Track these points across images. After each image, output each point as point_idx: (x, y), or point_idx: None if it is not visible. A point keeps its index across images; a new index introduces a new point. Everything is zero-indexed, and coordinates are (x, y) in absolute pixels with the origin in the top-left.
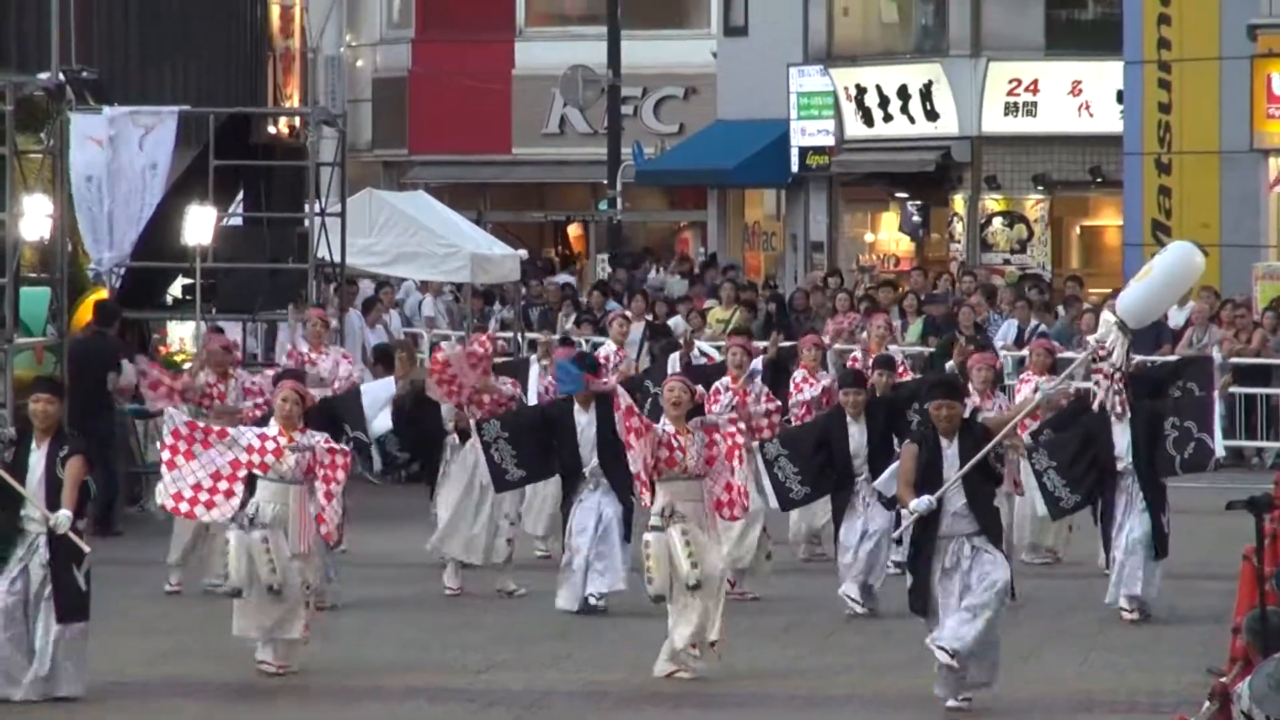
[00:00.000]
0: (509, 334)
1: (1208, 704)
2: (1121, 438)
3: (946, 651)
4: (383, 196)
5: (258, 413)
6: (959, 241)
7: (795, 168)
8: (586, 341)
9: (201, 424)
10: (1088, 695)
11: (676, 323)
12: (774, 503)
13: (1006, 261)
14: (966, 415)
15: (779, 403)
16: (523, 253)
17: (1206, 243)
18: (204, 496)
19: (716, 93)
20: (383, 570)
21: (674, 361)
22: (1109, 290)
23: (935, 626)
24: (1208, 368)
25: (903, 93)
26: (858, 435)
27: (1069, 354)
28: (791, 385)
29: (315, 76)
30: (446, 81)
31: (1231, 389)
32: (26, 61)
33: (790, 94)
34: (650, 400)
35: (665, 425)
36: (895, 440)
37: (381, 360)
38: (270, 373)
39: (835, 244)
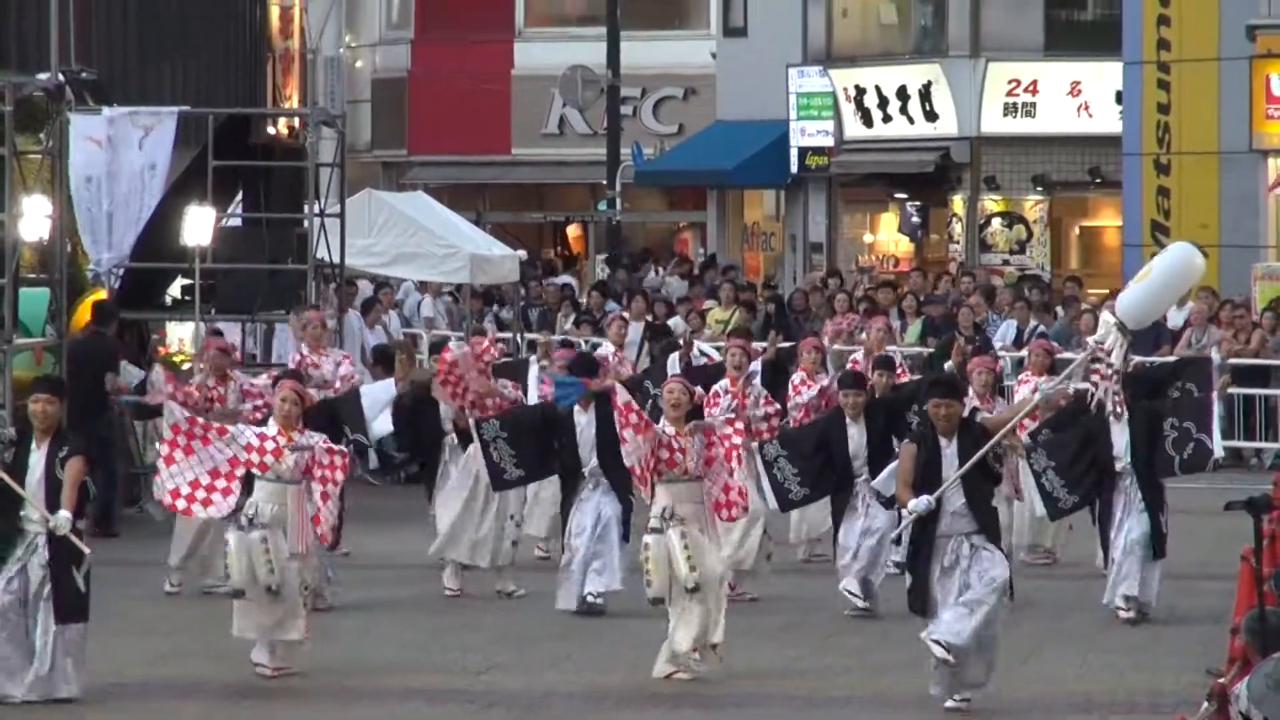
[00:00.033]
0: (508, 335)
1: (1206, 704)
2: (1120, 438)
3: (942, 646)
4: (382, 197)
5: (258, 415)
6: (958, 242)
7: (794, 168)
8: (586, 342)
9: (201, 420)
10: (1087, 696)
11: (676, 323)
12: (773, 504)
13: (1005, 262)
14: (965, 415)
15: (778, 406)
16: (522, 253)
17: (1205, 243)
18: (201, 494)
19: (716, 93)
20: (382, 571)
21: (674, 362)
22: (1108, 291)
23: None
24: (1206, 368)
25: (902, 93)
26: (857, 436)
27: (1068, 355)
28: (790, 388)
29: (314, 77)
30: (446, 82)
31: (1230, 390)
32: (26, 62)
33: (789, 95)
34: (650, 402)
35: (665, 426)
36: (895, 441)
37: (381, 361)
38: (265, 377)
39: (834, 245)
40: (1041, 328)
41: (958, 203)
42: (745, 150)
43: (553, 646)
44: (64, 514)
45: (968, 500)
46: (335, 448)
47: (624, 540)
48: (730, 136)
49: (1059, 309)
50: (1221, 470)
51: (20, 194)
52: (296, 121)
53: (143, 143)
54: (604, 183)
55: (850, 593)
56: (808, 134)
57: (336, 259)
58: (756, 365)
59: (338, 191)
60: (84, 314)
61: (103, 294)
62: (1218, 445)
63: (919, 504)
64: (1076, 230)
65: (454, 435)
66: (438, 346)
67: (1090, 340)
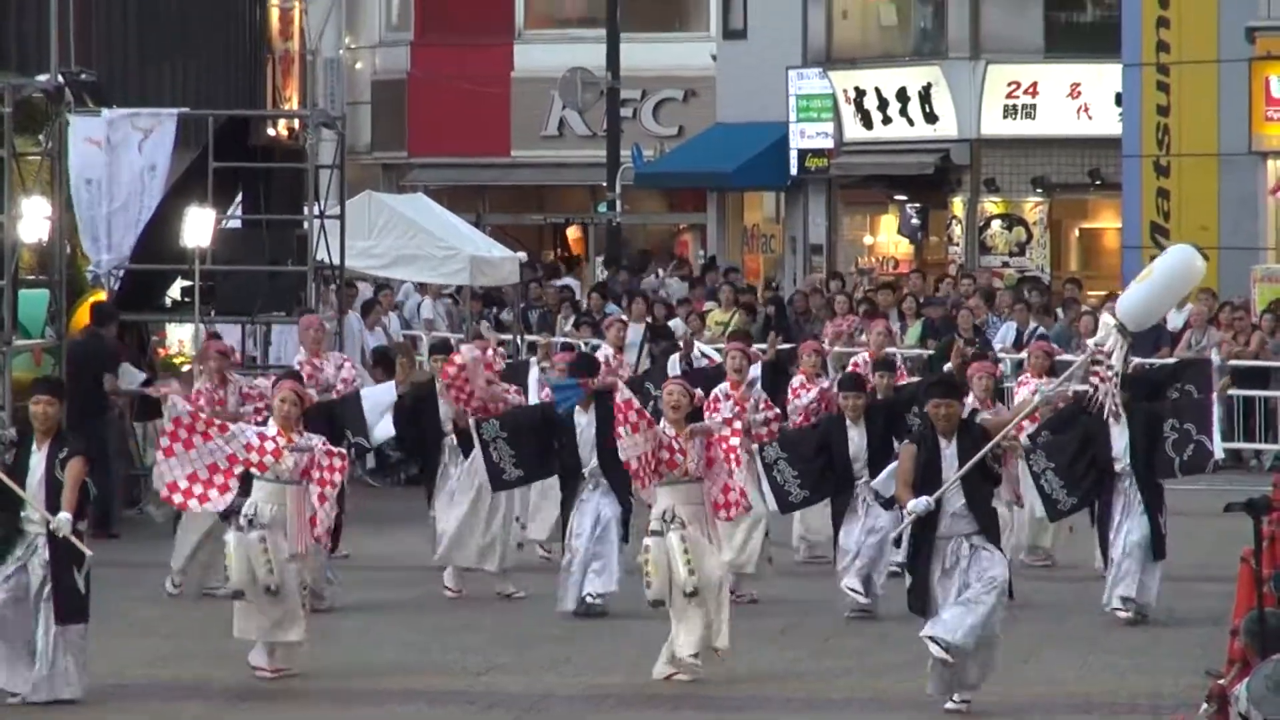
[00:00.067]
0: (508, 337)
1: (1206, 706)
2: (1119, 439)
3: (940, 646)
4: (382, 199)
5: (258, 418)
6: (958, 244)
7: (794, 170)
8: (585, 344)
9: (204, 415)
10: (1087, 698)
11: (676, 325)
12: (773, 506)
13: (1005, 264)
14: (965, 416)
15: (777, 411)
16: (522, 255)
17: (1205, 245)
18: (198, 489)
19: (716, 95)
20: (382, 573)
21: (674, 363)
22: (1107, 293)
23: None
24: (1206, 370)
25: (902, 95)
26: (857, 439)
27: (1068, 356)
28: (789, 391)
29: (314, 79)
30: (445, 84)
31: (1230, 391)
32: (26, 63)
33: (789, 97)
34: (651, 403)
35: (665, 428)
36: (895, 444)
37: (380, 363)
38: (264, 380)
39: (834, 247)
40: (1041, 330)
41: (957, 205)
42: (745, 152)
43: (553, 648)
44: (64, 515)
45: (968, 501)
46: (335, 450)
47: (623, 541)
48: (730, 138)
49: (1059, 311)
50: (1221, 472)
51: (20, 196)
52: (296, 123)
53: (142, 144)
54: (604, 185)
55: (852, 589)
56: (807, 136)
57: (336, 261)
58: (757, 371)
59: (337, 193)
60: (83, 316)
61: (102, 295)
62: (1218, 447)
63: (918, 505)
64: (1076, 232)
65: (454, 436)
66: (438, 348)
67: (1090, 343)
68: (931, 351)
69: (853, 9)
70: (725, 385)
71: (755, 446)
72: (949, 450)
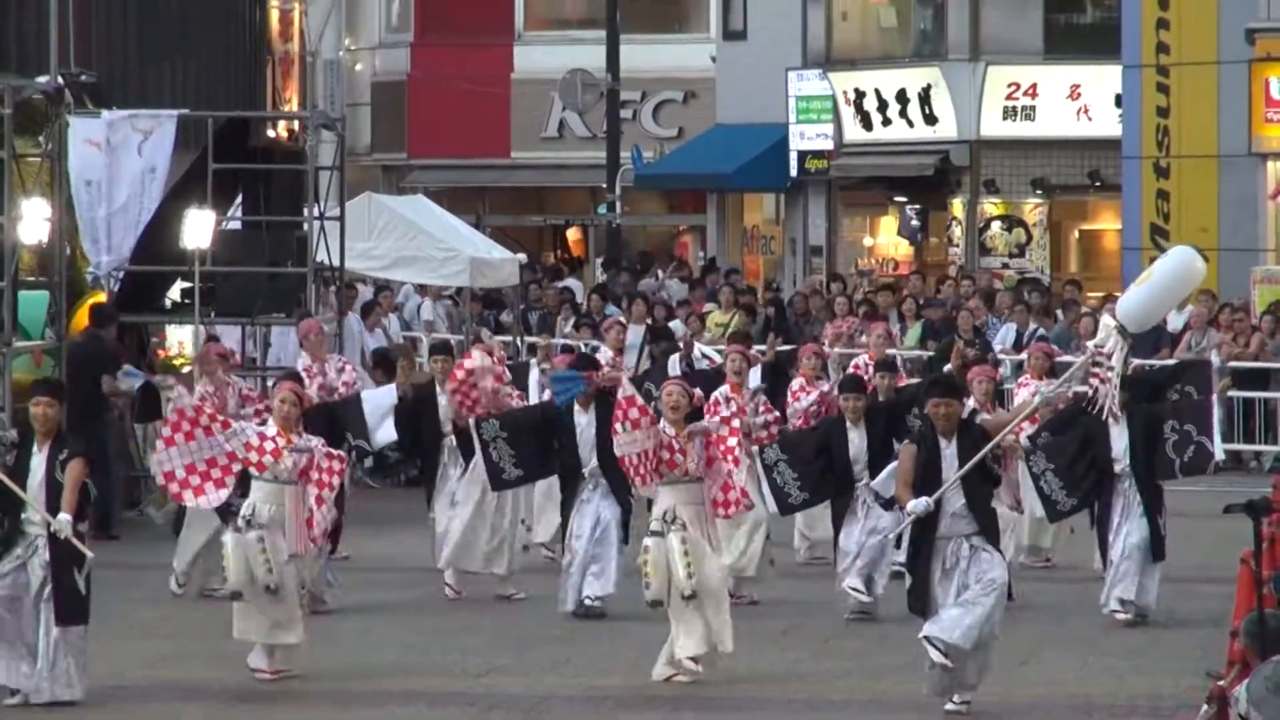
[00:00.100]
0: (508, 338)
1: (1206, 707)
2: (1119, 440)
3: (938, 647)
4: (381, 200)
5: (257, 420)
6: (958, 245)
7: (794, 172)
8: (585, 345)
9: (208, 410)
10: (1087, 699)
11: (676, 326)
12: (773, 508)
13: (1005, 265)
14: (965, 416)
15: (777, 414)
16: (522, 257)
17: (1205, 247)
18: (195, 481)
19: (715, 97)
20: (382, 574)
21: (674, 364)
22: (1106, 294)
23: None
24: (1206, 371)
25: (901, 97)
26: (858, 440)
27: (1068, 358)
28: (789, 393)
29: (314, 80)
30: (445, 85)
31: (1230, 393)
32: (25, 64)
33: (789, 98)
34: (651, 404)
35: (665, 428)
36: (895, 445)
37: (381, 365)
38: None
39: (834, 248)
40: (1041, 331)
41: (957, 206)
42: (745, 153)
43: (553, 649)
44: (64, 517)
45: (968, 501)
46: (334, 452)
47: (623, 543)
48: (730, 140)
49: (1059, 312)
50: (1221, 473)
51: (19, 197)
52: (296, 124)
53: (142, 146)
54: (604, 186)
55: (853, 588)
56: (807, 137)
57: (336, 262)
58: (757, 375)
59: (337, 194)
60: (83, 317)
61: (102, 297)
62: (1218, 448)
63: (918, 505)
64: (1076, 233)
65: (453, 438)
66: (438, 350)
67: (1090, 345)
68: (931, 353)
69: (852, 10)
70: (725, 388)
71: (755, 449)
72: (949, 450)
